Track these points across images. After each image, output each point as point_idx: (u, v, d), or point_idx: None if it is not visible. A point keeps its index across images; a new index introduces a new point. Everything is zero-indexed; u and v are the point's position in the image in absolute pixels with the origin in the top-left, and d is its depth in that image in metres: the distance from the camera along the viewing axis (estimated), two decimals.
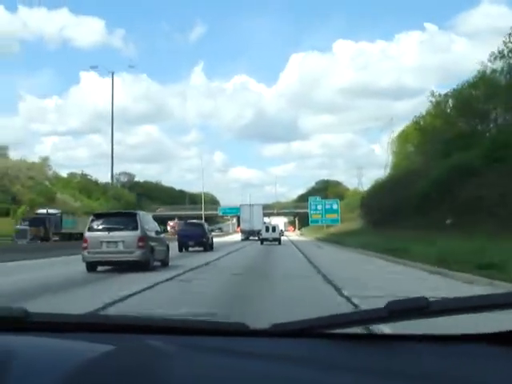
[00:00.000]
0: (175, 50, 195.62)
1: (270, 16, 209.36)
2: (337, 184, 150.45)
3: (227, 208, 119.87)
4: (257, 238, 54.28)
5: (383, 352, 1.33)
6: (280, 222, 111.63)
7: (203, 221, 43.69)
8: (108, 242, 16.69)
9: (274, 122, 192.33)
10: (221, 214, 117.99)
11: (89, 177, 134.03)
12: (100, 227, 17.19)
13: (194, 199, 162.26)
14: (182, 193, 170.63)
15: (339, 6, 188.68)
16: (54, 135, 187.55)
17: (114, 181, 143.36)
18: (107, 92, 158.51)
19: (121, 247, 16.60)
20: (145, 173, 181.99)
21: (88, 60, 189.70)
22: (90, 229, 17.25)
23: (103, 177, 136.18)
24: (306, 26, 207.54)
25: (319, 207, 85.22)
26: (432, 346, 1.35)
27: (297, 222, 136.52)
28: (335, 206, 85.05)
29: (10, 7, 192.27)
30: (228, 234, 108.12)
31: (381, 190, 49.62)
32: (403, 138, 58.35)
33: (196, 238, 32.56)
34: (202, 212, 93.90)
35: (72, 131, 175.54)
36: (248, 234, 61.38)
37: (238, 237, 68.70)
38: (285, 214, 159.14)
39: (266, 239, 43.35)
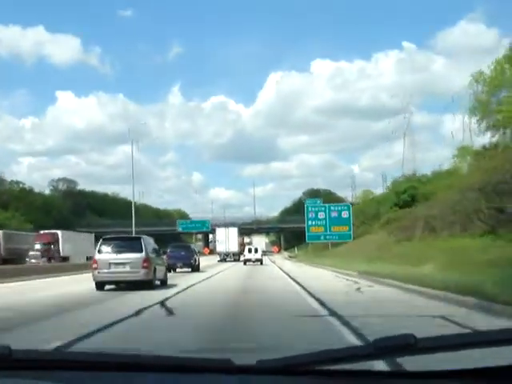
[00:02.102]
0: (152, 70, 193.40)
1: (247, 36, 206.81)
2: (330, 194, 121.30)
3: (188, 223, 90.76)
4: (233, 259, 59.49)
5: None
6: (260, 242, 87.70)
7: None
8: (116, 263, 18.07)
9: (253, 142, 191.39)
10: (180, 230, 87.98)
11: (21, 185, 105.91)
12: (108, 250, 18.59)
13: (161, 216, 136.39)
14: (146, 208, 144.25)
15: (317, 26, 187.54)
16: (30, 155, 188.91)
17: (50, 188, 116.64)
18: (84, 112, 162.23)
19: (127, 268, 17.96)
20: (123, 193, 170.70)
21: (64, 78, 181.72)
22: (100, 251, 18.70)
23: None
24: (284, 46, 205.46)
25: (321, 215, 55.98)
26: (417, 382, 1.37)
27: (282, 240, 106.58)
28: (346, 214, 56.03)
29: None
30: None
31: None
32: None
33: (184, 260, 32.71)
34: (133, 229, 64.67)
35: (48, 151, 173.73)
36: (224, 256, 61.80)
37: (206, 261, 53.26)
38: (266, 231, 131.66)
39: (249, 260, 46.01)
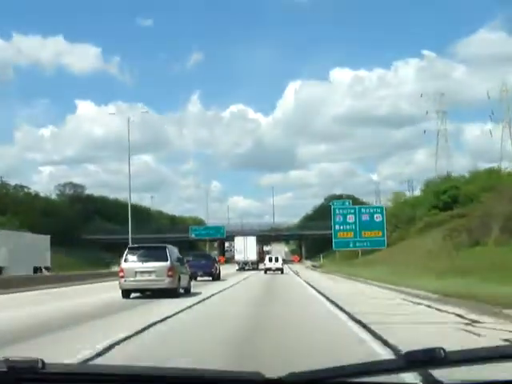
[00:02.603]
0: (171, 79, 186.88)
1: (266, 44, 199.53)
2: (354, 199, 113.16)
3: (201, 229, 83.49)
4: (251, 268, 58.77)
5: None
6: (279, 251, 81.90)
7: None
8: (142, 271, 18.53)
9: (272, 151, 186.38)
10: (193, 236, 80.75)
11: (26, 189, 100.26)
12: (134, 258, 19.06)
13: (176, 223, 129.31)
14: (160, 214, 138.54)
15: (337, 34, 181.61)
16: (50, 164, 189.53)
17: (57, 192, 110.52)
18: (103, 121, 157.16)
19: (153, 276, 18.43)
20: (142, 201, 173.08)
21: (83, 87, 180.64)
22: (126, 260, 19.10)
23: None
24: (304, 55, 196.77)
25: (350, 219, 48.38)
26: None
27: (303, 248, 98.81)
28: (379, 217, 48.39)
29: (4, 34, 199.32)
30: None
31: None
32: None
33: (205, 269, 33.18)
34: (129, 235, 57.94)
35: (68, 160, 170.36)
36: (243, 265, 61.35)
37: (223, 270, 47.74)
38: (286, 239, 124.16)
39: (270, 269, 45.99)
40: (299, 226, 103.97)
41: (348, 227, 48.24)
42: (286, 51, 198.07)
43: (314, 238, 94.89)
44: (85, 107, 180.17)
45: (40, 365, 1.40)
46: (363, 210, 48.87)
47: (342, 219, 48.55)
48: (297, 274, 43.27)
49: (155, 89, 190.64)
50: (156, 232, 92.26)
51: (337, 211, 49.35)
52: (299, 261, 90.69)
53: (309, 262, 76.63)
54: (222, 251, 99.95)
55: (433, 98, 73.56)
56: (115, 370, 1.60)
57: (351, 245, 48.67)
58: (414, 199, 62.32)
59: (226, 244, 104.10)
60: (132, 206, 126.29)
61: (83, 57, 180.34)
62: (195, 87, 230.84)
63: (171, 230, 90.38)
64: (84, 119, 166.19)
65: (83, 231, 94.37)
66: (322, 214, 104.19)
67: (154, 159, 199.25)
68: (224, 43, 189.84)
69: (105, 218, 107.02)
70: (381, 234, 47.83)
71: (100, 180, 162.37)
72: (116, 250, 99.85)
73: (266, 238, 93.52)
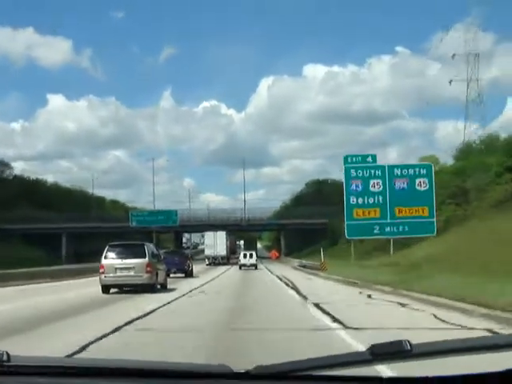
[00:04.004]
0: (144, 73, 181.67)
1: (239, 40, 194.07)
2: (339, 185, 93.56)
3: (146, 214, 63.14)
4: (221, 263, 58.97)
5: None
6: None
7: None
8: (121, 268, 19.72)
9: (244, 147, 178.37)
10: (135, 224, 60.39)
11: None
12: (113, 255, 20.22)
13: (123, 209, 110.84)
14: (115, 204, 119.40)
15: (310, 30, 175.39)
16: (22, 160, 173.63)
17: None
18: (75, 115, 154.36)
19: (132, 272, 19.70)
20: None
21: (54, 81, 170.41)
22: (106, 257, 20.27)
23: None
24: (277, 50, 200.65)
25: (376, 186, 28.58)
26: None
27: (282, 242, 78.73)
28: (424, 184, 28.59)
29: None
30: None
31: None
32: None
33: (178, 265, 33.80)
34: None
35: (39, 156, 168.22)
36: (213, 260, 60.27)
37: None
38: (260, 230, 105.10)
39: (244, 265, 46.44)
40: (277, 215, 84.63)
41: (371, 200, 28.44)
42: (259, 46, 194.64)
43: (294, 229, 75.79)
44: (56, 101, 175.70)
45: (5, 357, 1.35)
46: (397, 172, 28.83)
47: (360, 187, 28.64)
48: (296, 289, 22.01)
49: (127, 83, 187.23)
50: (99, 221, 73.24)
51: (352, 173, 29.10)
52: (278, 257, 70.67)
53: (294, 261, 55.53)
54: (180, 246, 79.73)
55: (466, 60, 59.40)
56: (81, 363, 1.57)
57: (376, 230, 28.69)
58: (454, 168, 42.89)
59: (184, 236, 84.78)
60: (79, 192, 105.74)
61: (54, 50, 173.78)
62: (167, 82, 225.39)
63: (109, 220, 71.25)
64: (56, 114, 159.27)
65: (3, 220, 75.19)
66: (307, 199, 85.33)
67: (126, 155, 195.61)
68: (196, 38, 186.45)
69: (36, 204, 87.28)
70: (427, 211, 28.12)
71: (73, 176, 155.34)
72: (46, 243, 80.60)
73: (236, 228, 75.37)
